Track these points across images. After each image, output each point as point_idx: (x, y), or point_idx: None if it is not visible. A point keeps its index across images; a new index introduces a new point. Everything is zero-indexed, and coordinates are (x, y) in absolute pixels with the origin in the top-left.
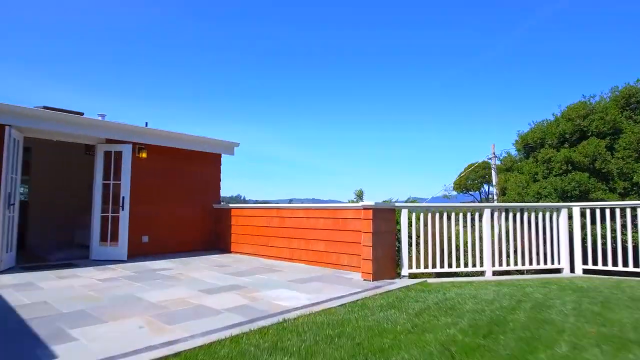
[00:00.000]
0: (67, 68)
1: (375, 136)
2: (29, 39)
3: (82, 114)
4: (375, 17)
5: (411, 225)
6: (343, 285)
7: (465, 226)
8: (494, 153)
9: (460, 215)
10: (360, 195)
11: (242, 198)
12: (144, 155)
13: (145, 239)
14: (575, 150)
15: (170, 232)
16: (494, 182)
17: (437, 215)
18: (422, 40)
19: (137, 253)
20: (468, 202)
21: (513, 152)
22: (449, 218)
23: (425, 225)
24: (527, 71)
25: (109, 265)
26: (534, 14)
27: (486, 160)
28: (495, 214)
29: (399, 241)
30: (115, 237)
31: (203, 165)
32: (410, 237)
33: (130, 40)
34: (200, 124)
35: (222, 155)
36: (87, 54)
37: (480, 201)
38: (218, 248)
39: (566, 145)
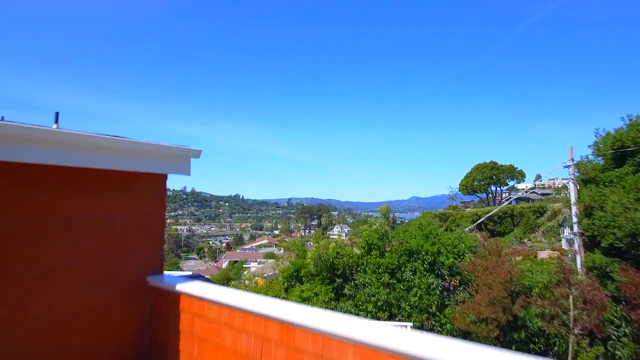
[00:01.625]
0: (67, 67)
1: (376, 136)
2: (29, 39)
3: None
4: (375, 17)
5: None
6: None
7: None
8: (572, 159)
9: None
10: (386, 214)
11: (240, 197)
12: None
13: None
14: None
15: (35, 354)
16: (572, 200)
17: None
18: (423, 41)
19: None
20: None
21: (590, 157)
22: None
23: None
24: (527, 71)
25: None
26: (534, 14)
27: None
28: None
29: None
30: None
31: (125, 197)
32: None
33: (129, 39)
34: (200, 123)
35: (170, 175)
36: (87, 54)
37: (487, 203)
38: None
39: None
